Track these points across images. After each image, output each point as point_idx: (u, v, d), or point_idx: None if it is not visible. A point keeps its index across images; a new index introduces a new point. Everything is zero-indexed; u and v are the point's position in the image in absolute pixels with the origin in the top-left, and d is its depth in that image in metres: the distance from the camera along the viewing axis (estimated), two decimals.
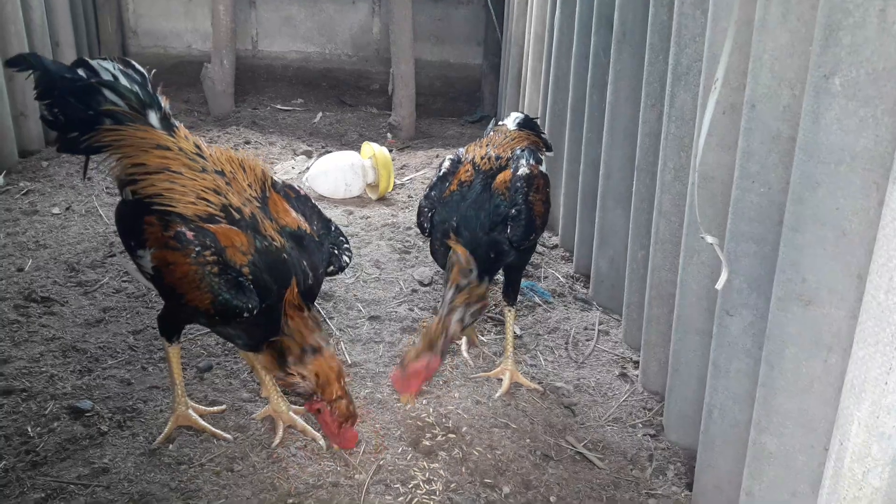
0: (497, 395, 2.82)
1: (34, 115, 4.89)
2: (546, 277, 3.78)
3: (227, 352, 2.95)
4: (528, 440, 2.59)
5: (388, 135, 6.04)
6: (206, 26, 6.22)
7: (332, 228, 2.54)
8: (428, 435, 2.56)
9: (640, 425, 2.75)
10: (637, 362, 3.06)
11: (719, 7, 2.14)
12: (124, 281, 3.42)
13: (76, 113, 2.41)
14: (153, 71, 2.61)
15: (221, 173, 2.38)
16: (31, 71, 2.42)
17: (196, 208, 2.26)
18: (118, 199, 4.07)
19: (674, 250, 2.66)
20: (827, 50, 1.58)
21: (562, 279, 3.77)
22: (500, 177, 2.76)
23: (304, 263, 2.33)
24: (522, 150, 2.94)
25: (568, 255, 4.04)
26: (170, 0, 6.46)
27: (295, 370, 2.30)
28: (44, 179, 4.50)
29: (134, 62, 2.57)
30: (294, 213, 2.42)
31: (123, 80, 2.46)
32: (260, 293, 2.22)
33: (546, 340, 3.24)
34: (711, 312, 2.32)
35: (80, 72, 2.44)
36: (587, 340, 3.26)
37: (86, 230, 3.88)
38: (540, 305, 3.50)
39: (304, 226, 2.40)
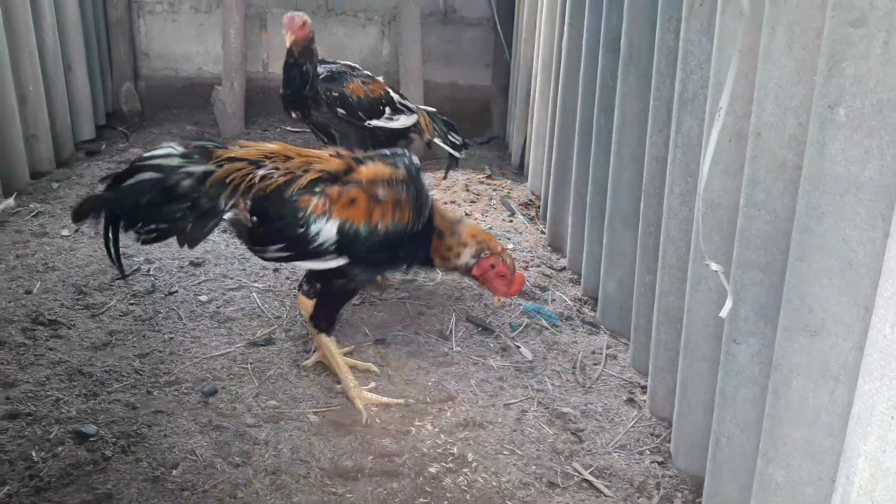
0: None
1: (45, 137, 4.94)
2: (554, 300, 3.76)
3: (231, 376, 2.94)
4: (533, 467, 2.57)
5: None
6: (216, 49, 6.26)
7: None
8: (433, 461, 2.55)
9: (648, 452, 2.72)
10: (645, 387, 3.04)
11: (725, 35, 2.14)
12: (131, 304, 3.43)
13: (176, 207, 2.54)
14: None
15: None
16: (98, 214, 2.52)
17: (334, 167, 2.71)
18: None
19: (681, 276, 2.65)
20: (831, 80, 1.58)
21: (569, 302, 3.75)
22: None
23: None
24: None
25: (576, 277, 4.02)
26: (181, 23, 6.51)
27: (454, 243, 2.83)
28: (54, 201, 4.53)
29: (172, 145, 2.66)
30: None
31: (174, 178, 2.54)
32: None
33: (553, 365, 3.22)
34: (719, 339, 2.30)
35: (145, 176, 2.52)
36: (595, 364, 3.24)
37: (94, 252, 3.90)
38: (547, 329, 3.49)
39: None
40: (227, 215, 2.64)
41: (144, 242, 2.61)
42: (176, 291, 3.54)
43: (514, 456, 2.62)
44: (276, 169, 2.65)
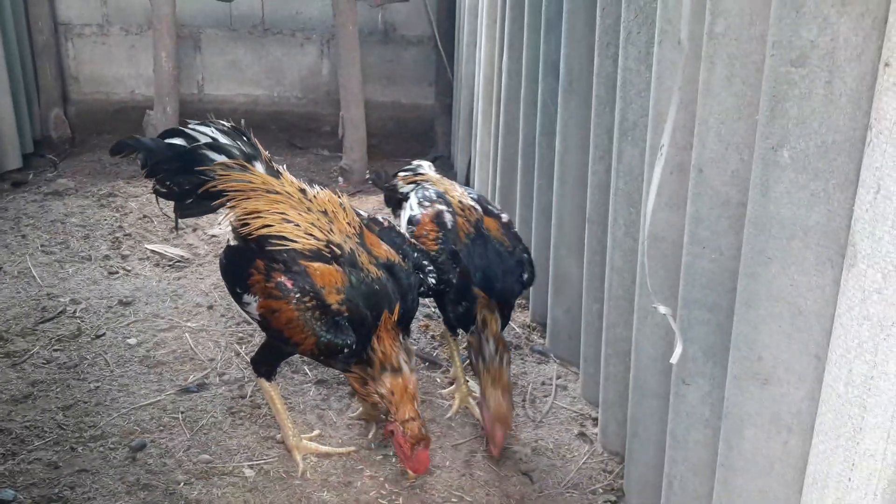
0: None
1: None
2: None
3: (161, 427, 2.78)
4: None
5: (340, 179, 5.91)
6: (149, 71, 6.05)
7: (415, 254, 2.77)
8: None
9: (601, 490, 2.63)
10: (596, 420, 2.95)
11: (663, 65, 2.07)
12: (55, 349, 3.23)
13: (188, 179, 2.63)
14: (242, 121, 2.83)
15: (325, 212, 2.61)
16: (135, 154, 2.65)
17: (305, 243, 2.49)
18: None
19: (628, 307, 2.57)
20: (774, 121, 1.50)
21: (517, 329, 3.66)
22: (490, 223, 2.94)
23: (397, 291, 2.57)
24: (477, 195, 3.12)
25: (524, 302, 3.93)
26: (111, 45, 6.29)
27: (373, 388, 2.49)
28: None
29: (222, 122, 2.76)
30: (384, 246, 2.67)
31: (223, 139, 2.68)
32: (356, 326, 2.45)
33: None
34: (668, 376, 2.22)
35: (179, 141, 2.65)
36: (545, 396, 3.15)
37: (17, 293, 3.69)
38: None
39: (394, 256, 2.65)
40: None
41: (155, 192, 2.70)
42: (103, 334, 3.36)
43: (463, 503, 2.51)
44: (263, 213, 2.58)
